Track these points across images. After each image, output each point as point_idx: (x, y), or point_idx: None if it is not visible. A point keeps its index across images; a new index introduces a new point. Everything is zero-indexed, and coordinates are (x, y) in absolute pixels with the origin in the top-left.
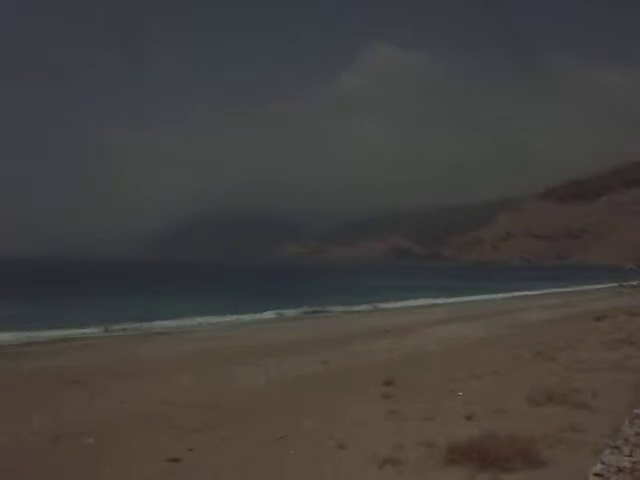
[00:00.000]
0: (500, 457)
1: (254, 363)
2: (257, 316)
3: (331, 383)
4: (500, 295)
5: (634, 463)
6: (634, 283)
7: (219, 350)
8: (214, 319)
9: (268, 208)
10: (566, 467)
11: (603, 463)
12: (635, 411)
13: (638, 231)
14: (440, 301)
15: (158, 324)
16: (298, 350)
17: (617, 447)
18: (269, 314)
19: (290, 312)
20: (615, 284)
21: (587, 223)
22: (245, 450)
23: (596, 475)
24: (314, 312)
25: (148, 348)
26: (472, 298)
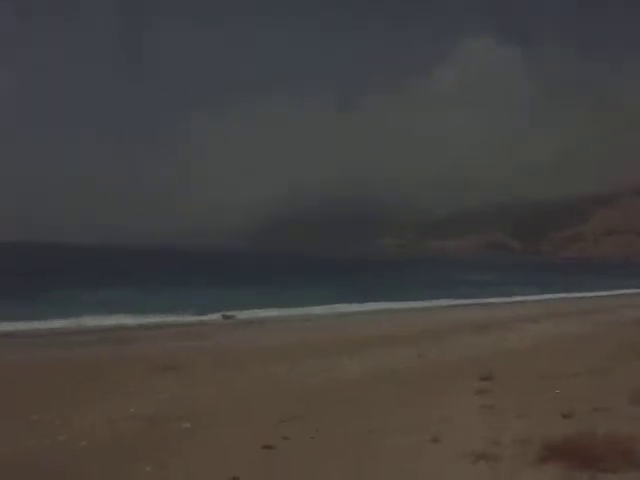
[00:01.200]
0: (598, 456)
1: (350, 355)
2: (353, 307)
3: (426, 376)
4: (600, 293)
5: None
6: None
7: (319, 340)
8: (318, 309)
9: (365, 202)
10: None
11: None
12: None
13: None
14: (537, 297)
15: (262, 312)
16: (395, 343)
17: None
18: (368, 305)
19: (389, 304)
20: None
21: None
22: (340, 441)
23: None
24: (410, 305)
25: (247, 336)
26: (570, 295)
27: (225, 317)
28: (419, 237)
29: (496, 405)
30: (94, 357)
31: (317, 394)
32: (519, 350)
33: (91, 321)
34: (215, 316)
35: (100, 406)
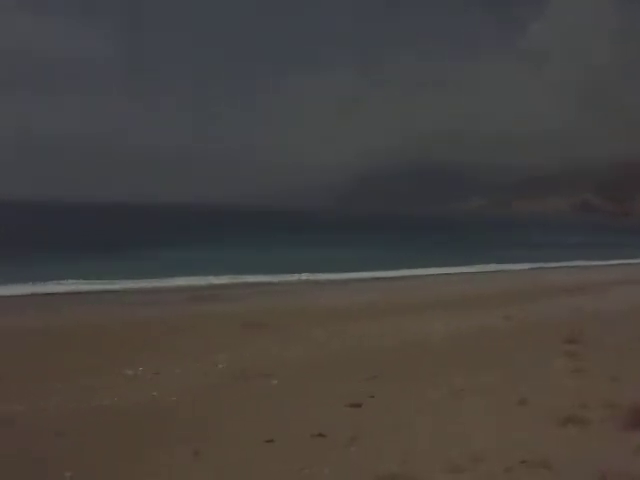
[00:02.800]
0: None
1: (435, 315)
2: (436, 270)
3: (513, 338)
4: None
5: None
6: None
7: (402, 301)
8: (400, 272)
9: (453, 161)
10: None
11: None
12: None
13: None
14: (629, 261)
15: (345, 273)
16: (480, 304)
17: None
18: (452, 269)
19: (472, 267)
20: None
21: None
22: (425, 400)
23: None
24: (495, 267)
25: (333, 295)
26: None
27: (307, 278)
28: (503, 198)
29: (585, 368)
30: (185, 315)
31: (403, 353)
32: (608, 313)
33: (180, 280)
34: (300, 276)
35: (190, 362)
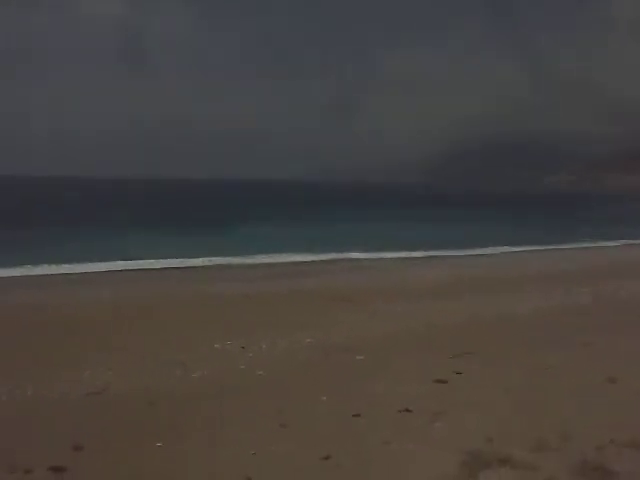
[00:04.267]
0: None
1: (522, 291)
2: (524, 247)
3: (601, 316)
4: None
5: None
6: None
7: (489, 277)
8: (487, 250)
9: (539, 135)
10: None
11: None
12: None
13: None
14: None
15: (431, 251)
16: (567, 281)
17: None
18: (543, 246)
19: (566, 244)
20: None
21: None
22: (512, 377)
23: None
24: (589, 244)
25: (419, 272)
26: None
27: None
28: (595, 172)
29: None
30: (273, 290)
31: (490, 330)
32: None
33: (266, 257)
34: (386, 253)
35: (278, 336)
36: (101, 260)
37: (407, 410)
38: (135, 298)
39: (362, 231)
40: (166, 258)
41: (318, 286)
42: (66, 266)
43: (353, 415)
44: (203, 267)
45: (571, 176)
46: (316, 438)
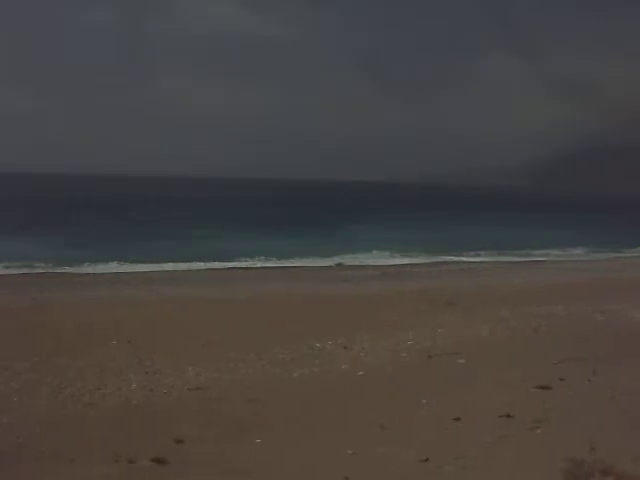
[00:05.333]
0: None
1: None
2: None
3: None
4: None
5: None
6: None
7: (594, 283)
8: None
9: None
10: None
11: None
12: None
13: None
14: None
15: (535, 252)
16: None
17: None
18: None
19: None
20: None
21: None
22: (619, 386)
23: None
24: None
25: (523, 276)
26: None
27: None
28: None
29: None
30: (375, 292)
31: (596, 336)
32: None
33: (370, 259)
34: (490, 257)
35: (380, 337)
36: (213, 260)
37: (508, 415)
38: (239, 297)
39: (466, 234)
40: (276, 258)
41: (421, 288)
42: (179, 264)
43: (453, 419)
44: (305, 267)
45: None
46: (415, 440)
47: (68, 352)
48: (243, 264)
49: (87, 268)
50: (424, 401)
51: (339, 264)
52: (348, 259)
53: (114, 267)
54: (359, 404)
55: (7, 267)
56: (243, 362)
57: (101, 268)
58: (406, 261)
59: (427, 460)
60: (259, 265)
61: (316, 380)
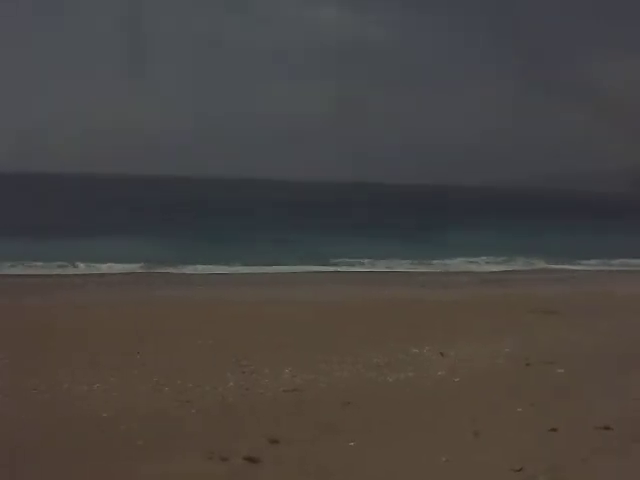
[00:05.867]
0: None
1: None
2: None
3: None
4: None
5: None
6: None
7: None
8: None
9: None
10: None
11: None
12: None
13: None
14: None
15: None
16: None
17: None
18: None
19: None
20: None
21: None
22: None
23: None
24: None
25: (625, 285)
26: None
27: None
28: None
29: None
30: (472, 298)
31: None
32: None
33: (464, 264)
34: (590, 265)
35: (477, 344)
36: (302, 263)
37: (607, 428)
38: (334, 300)
39: (564, 241)
40: (371, 262)
41: (520, 295)
42: (271, 267)
43: (549, 429)
44: (404, 272)
45: None
46: (510, 449)
47: (169, 350)
48: (339, 267)
49: (187, 269)
50: (520, 409)
51: (435, 270)
52: (445, 264)
53: (214, 268)
54: (454, 410)
55: (110, 267)
56: (338, 365)
57: (201, 269)
58: (504, 268)
59: (521, 470)
60: (356, 269)
61: (411, 385)
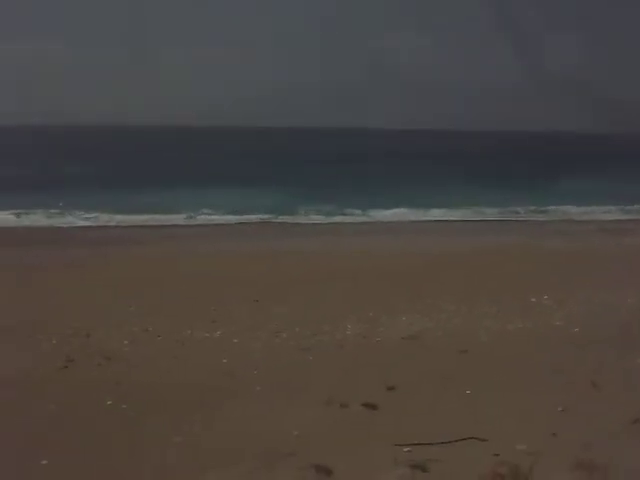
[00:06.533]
0: None
1: None
2: None
3: None
4: None
5: None
6: None
7: None
8: None
9: None
10: None
11: None
12: None
13: None
14: None
15: None
16: None
17: None
18: None
19: None
20: None
21: None
22: None
23: None
24: None
25: None
26: None
27: None
28: None
29: None
30: (593, 246)
31: None
32: None
33: (583, 213)
34: None
35: (598, 294)
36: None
37: None
38: (446, 250)
39: None
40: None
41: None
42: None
43: None
44: (519, 221)
45: None
46: (628, 400)
47: (287, 298)
48: (449, 217)
49: (303, 218)
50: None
51: (551, 218)
52: (562, 212)
53: (330, 218)
54: (572, 361)
55: (230, 215)
56: (454, 314)
57: (317, 219)
58: (622, 216)
59: (637, 421)
60: (467, 218)
61: (529, 335)
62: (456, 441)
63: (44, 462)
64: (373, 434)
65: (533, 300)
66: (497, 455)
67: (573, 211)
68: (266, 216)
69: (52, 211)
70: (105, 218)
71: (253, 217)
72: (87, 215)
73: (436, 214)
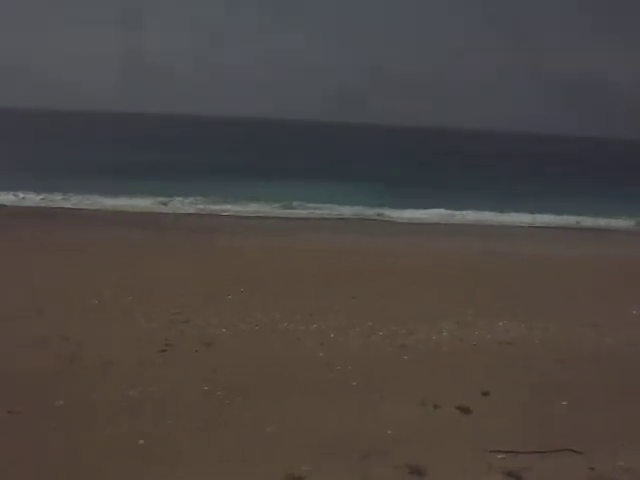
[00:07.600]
0: None
1: None
2: None
3: None
4: None
5: None
6: None
7: None
8: None
9: None
10: None
11: None
12: None
13: None
14: None
15: None
16: None
17: None
18: None
19: None
20: None
21: None
22: None
23: None
24: None
25: None
26: None
27: None
28: None
29: None
30: None
31: None
32: None
33: None
34: None
35: None
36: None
37: None
38: (538, 253)
39: None
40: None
41: None
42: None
43: None
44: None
45: None
46: None
47: (384, 296)
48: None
49: (394, 215)
50: None
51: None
52: None
53: (422, 214)
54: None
55: (322, 212)
56: (553, 322)
57: (418, 217)
58: None
59: None
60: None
61: (628, 348)
62: (551, 452)
63: (140, 442)
64: (466, 438)
65: (634, 313)
66: (592, 469)
67: None
68: (366, 212)
69: (159, 199)
70: (210, 206)
71: (352, 212)
72: (193, 203)
73: (543, 220)
